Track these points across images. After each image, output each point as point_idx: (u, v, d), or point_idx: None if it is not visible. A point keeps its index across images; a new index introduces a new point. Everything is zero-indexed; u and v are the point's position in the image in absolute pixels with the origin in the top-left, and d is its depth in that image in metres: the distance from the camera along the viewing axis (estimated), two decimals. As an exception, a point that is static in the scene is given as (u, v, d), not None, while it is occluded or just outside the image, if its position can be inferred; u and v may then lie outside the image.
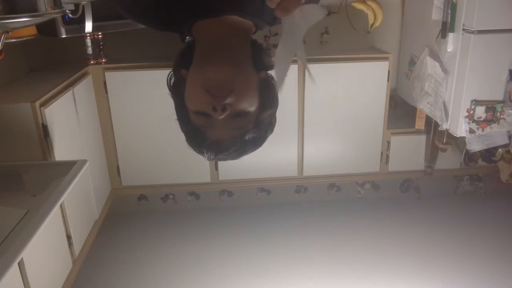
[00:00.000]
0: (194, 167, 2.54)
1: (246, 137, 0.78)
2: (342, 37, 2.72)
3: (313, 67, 2.41)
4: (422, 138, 2.63)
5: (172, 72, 0.82)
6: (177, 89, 0.80)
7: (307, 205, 2.90)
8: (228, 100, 0.72)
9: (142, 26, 0.92)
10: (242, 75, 0.75)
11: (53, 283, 1.72)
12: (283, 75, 0.62)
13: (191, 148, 0.81)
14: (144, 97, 2.37)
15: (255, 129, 0.78)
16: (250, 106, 0.76)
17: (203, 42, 0.78)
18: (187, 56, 0.78)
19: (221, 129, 0.75)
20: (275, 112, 0.83)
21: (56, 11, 0.76)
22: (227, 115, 0.73)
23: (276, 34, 2.53)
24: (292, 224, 2.70)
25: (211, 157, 0.79)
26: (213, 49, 0.76)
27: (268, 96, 0.79)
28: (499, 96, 2.11)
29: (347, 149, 2.62)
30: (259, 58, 0.79)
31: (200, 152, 0.80)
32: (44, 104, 1.74)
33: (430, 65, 2.27)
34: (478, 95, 2.10)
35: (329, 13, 2.62)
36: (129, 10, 0.89)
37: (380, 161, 2.66)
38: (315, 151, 2.60)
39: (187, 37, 0.85)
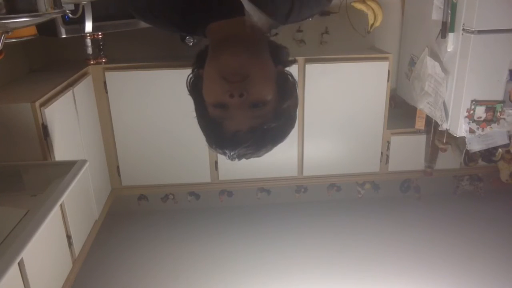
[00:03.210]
0: (194, 167, 2.54)
1: (265, 127, 0.76)
2: (342, 37, 2.72)
3: (313, 67, 2.41)
4: (422, 138, 2.63)
5: (190, 74, 0.83)
6: (195, 87, 0.81)
7: (307, 205, 2.90)
8: (245, 86, 0.72)
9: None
10: (258, 62, 0.75)
11: (53, 283, 1.72)
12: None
13: (211, 148, 0.81)
14: (144, 97, 2.37)
15: (274, 119, 0.77)
16: (268, 94, 0.76)
17: (217, 39, 0.79)
18: (203, 56, 0.79)
19: (240, 119, 0.75)
20: (295, 106, 0.83)
21: (56, 11, 0.77)
22: (244, 103, 0.73)
23: (276, 34, 2.52)
24: (292, 224, 2.70)
25: (232, 152, 0.78)
26: (227, 40, 0.76)
27: (286, 88, 0.79)
28: (499, 96, 2.11)
29: (347, 149, 2.62)
30: (276, 54, 0.80)
31: (220, 147, 0.79)
32: (44, 104, 1.74)
33: (430, 65, 2.27)
34: (478, 95, 2.10)
35: (329, 13, 2.62)
36: (143, 15, 0.90)
37: (380, 161, 2.66)
38: (315, 151, 2.60)
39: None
